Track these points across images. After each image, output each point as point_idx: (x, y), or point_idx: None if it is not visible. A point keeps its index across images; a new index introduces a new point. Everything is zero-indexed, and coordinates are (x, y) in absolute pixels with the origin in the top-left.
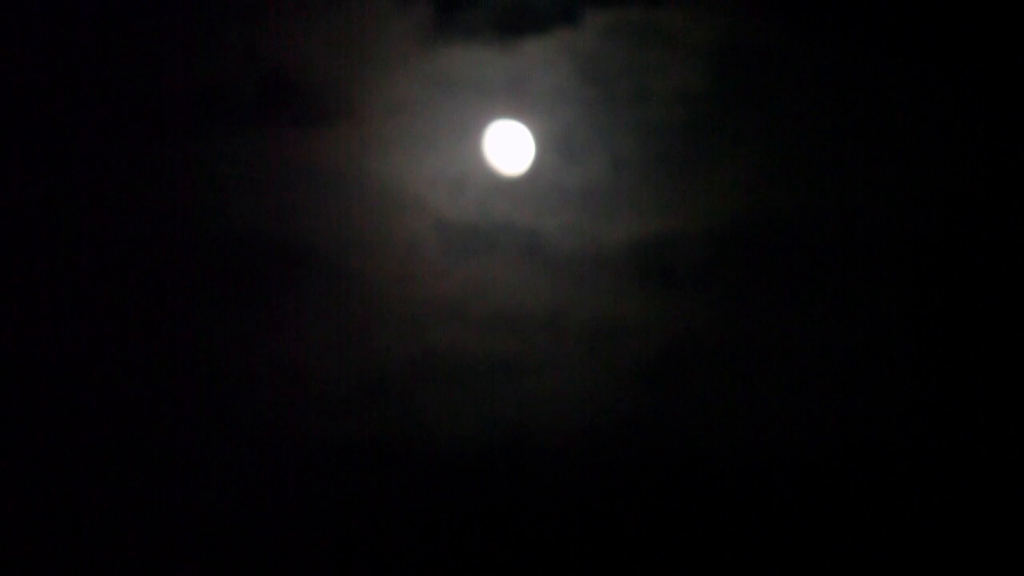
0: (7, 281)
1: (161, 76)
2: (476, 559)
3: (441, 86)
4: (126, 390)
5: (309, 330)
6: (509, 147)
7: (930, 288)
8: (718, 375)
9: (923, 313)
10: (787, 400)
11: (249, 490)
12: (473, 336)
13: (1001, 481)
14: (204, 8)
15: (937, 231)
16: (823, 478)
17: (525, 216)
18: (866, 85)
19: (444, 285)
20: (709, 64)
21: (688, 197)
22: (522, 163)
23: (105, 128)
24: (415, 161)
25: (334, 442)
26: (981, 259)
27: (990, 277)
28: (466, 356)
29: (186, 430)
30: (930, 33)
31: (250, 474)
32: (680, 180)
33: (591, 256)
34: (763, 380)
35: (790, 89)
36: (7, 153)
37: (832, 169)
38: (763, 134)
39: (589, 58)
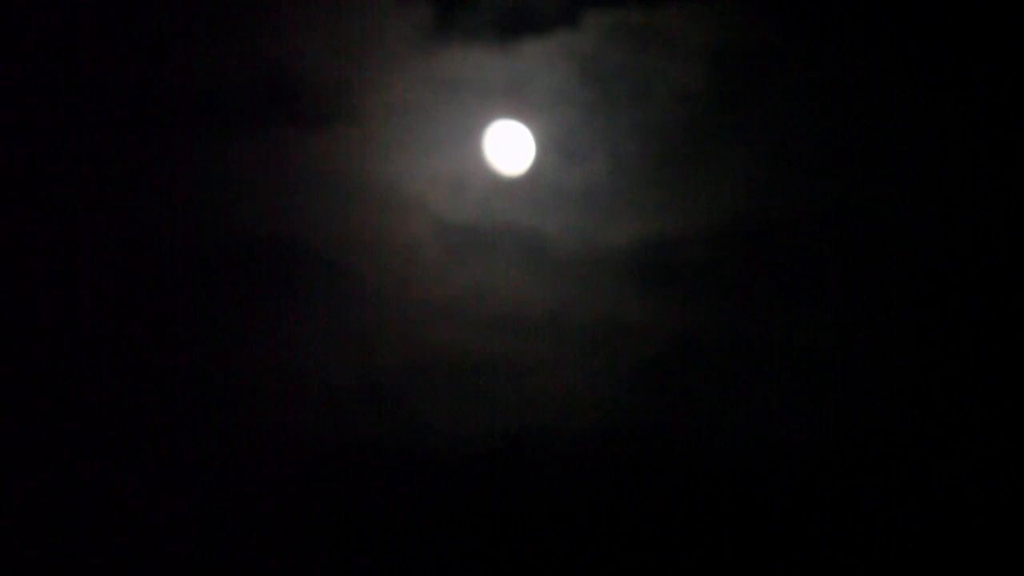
0: (7, 281)
1: (162, 77)
2: (477, 559)
3: (441, 87)
4: (126, 390)
5: (309, 331)
6: (509, 148)
7: (930, 288)
8: (718, 375)
9: (923, 313)
10: (787, 400)
11: (249, 490)
12: (473, 337)
13: (1001, 481)
14: (205, 9)
15: (936, 231)
16: (823, 478)
17: (525, 217)
18: (865, 86)
19: (444, 286)
20: (708, 65)
21: (688, 198)
22: (522, 164)
23: (106, 129)
24: (415, 162)
25: (334, 443)
26: (981, 259)
27: (990, 277)
28: (466, 357)
29: (186, 430)
30: (930, 33)
31: (250, 474)
32: (680, 181)
33: (591, 257)
34: (763, 380)
35: (789, 90)
36: (7, 153)
37: (831, 170)
38: (762, 135)
39: (589, 59)
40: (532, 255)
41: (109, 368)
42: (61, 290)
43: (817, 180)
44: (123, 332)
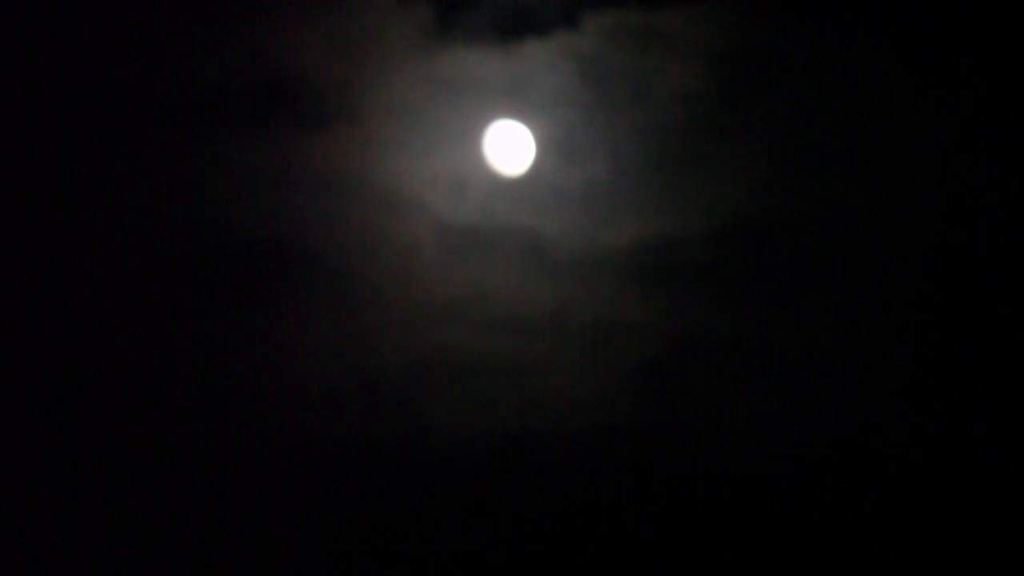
0: (7, 281)
1: (162, 77)
2: (477, 559)
3: (441, 88)
4: (126, 391)
5: (309, 332)
6: (509, 149)
7: (930, 288)
8: (718, 375)
9: (923, 313)
10: (787, 400)
11: (250, 491)
12: (473, 337)
13: (1001, 481)
14: (205, 10)
15: (936, 232)
16: (823, 477)
17: (525, 217)
18: (865, 86)
19: (444, 286)
20: (708, 66)
21: (688, 198)
22: (522, 165)
23: (106, 129)
24: (415, 163)
25: (335, 443)
26: (981, 259)
27: (990, 277)
28: (467, 357)
29: (187, 431)
30: (930, 33)
31: (250, 475)
32: (680, 181)
33: (591, 257)
34: (763, 380)
35: (789, 91)
36: (8, 153)
37: (831, 170)
38: (762, 136)
39: (589, 60)
40: (532, 255)
41: (109, 369)
42: (61, 291)
43: (817, 181)
44: (123, 333)
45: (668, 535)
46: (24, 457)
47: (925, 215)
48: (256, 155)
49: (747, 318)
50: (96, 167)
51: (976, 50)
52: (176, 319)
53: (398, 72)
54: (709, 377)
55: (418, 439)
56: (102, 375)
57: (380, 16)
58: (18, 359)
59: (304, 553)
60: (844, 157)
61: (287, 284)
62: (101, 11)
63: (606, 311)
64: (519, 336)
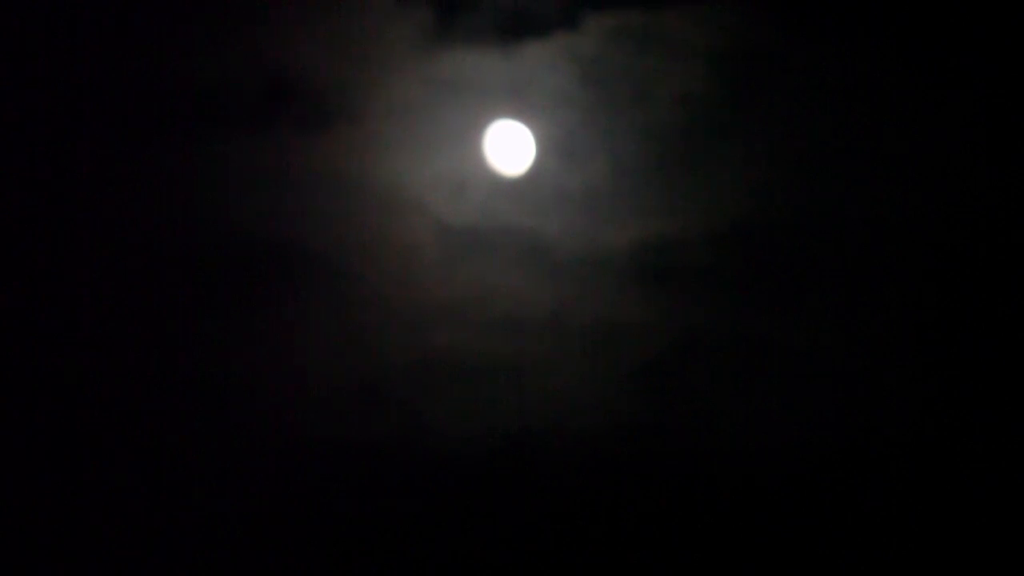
0: (7, 282)
1: (163, 78)
2: (478, 559)
3: (442, 89)
4: (126, 392)
5: (310, 333)
6: (510, 150)
7: (930, 288)
8: (718, 376)
9: (923, 313)
10: (787, 401)
11: (251, 492)
12: (474, 338)
13: (1001, 481)
14: (206, 10)
15: (936, 232)
16: (823, 478)
17: (526, 218)
18: (865, 87)
19: (445, 287)
20: (709, 67)
21: (688, 199)
22: (523, 165)
23: (107, 130)
24: (416, 164)
25: (335, 444)
26: (981, 260)
27: (990, 277)
28: (467, 358)
29: (188, 432)
30: (930, 34)
31: (252, 476)
32: (680, 183)
33: (591, 258)
34: (763, 381)
35: (790, 92)
36: (8, 153)
37: (831, 171)
38: (763, 137)
39: (589, 62)
40: (532, 256)
41: (110, 370)
42: (62, 291)
43: (817, 182)
44: (124, 334)
45: (668, 535)
46: (24, 457)
47: (925, 215)
48: (257, 156)
49: (747, 318)
50: (97, 167)
51: (976, 50)
52: (177, 319)
53: (399, 73)
54: (709, 377)
55: (419, 439)
56: (103, 375)
57: (381, 17)
58: (19, 359)
59: (305, 553)
60: (844, 158)
61: (287, 284)
62: (102, 11)
63: (606, 312)
64: (519, 336)
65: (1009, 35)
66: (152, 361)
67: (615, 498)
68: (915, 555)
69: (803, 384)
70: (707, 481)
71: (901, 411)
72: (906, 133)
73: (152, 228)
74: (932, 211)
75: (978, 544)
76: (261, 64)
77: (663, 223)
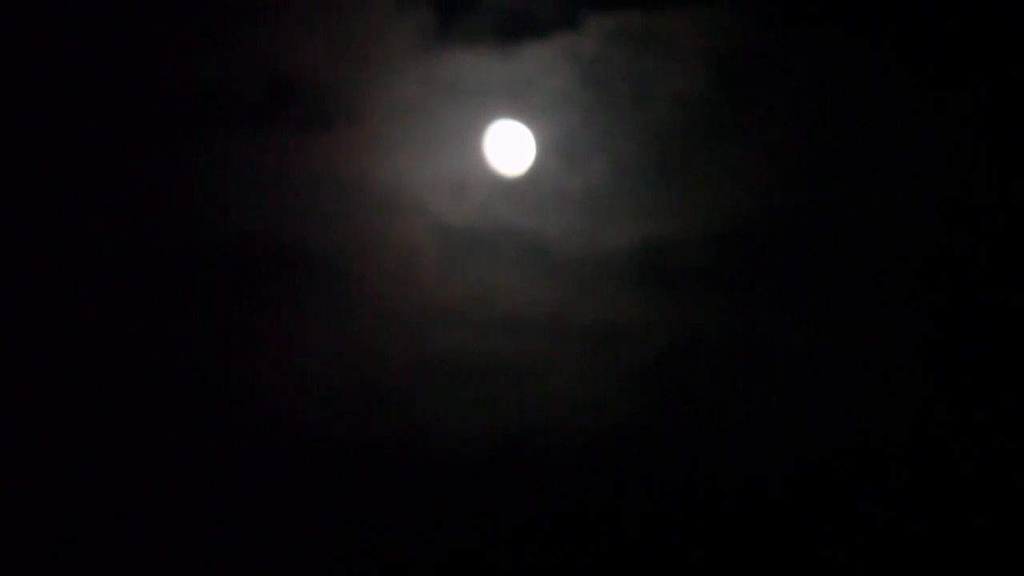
0: (6, 282)
1: (164, 79)
2: (479, 559)
3: (442, 90)
4: (126, 392)
5: (310, 333)
6: (510, 151)
7: (930, 288)
8: (719, 376)
9: (923, 313)
10: (787, 402)
11: (252, 492)
12: (474, 339)
13: (1001, 481)
14: (206, 11)
15: (936, 233)
16: (823, 478)
17: (526, 219)
18: (865, 88)
19: (445, 288)
20: (709, 68)
21: (688, 200)
22: (523, 167)
23: (107, 130)
24: (416, 164)
25: (336, 445)
26: (981, 260)
27: (990, 277)
28: (467, 359)
29: (187, 432)
30: (930, 34)
31: (253, 477)
32: (680, 183)
33: (592, 258)
34: (763, 382)
35: (790, 93)
36: (7, 153)
37: (831, 172)
38: (763, 138)
39: (590, 62)
40: (532, 257)
41: (111, 369)
42: (62, 291)
43: (817, 182)
44: (124, 334)
45: (669, 535)
46: (25, 457)
47: (925, 216)
48: (257, 156)
49: (747, 319)
50: (98, 167)
51: (976, 50)
52: (177, 320)
53: (399, 74)
54: (709, 378)
55: (418, 439)
56: (103, 376)
57: (381, 18)
58: (19, 359)
59: (306, 553)
60: (844, 159)
61: (287, 285)
62: (102, 12)
63: (606, 312)
64: (519, 337)
65: (1009, 35)
66: (152, 361)
67: (615, 498)
68: (915, 555)
69: (804, 384)
70: (707, 481)
71: (901, 411)
72: (906, 133)
73: (152, 228)
74: (932, 211)
75: (978, 544)
76: (261, 64)
77: (663, 224)
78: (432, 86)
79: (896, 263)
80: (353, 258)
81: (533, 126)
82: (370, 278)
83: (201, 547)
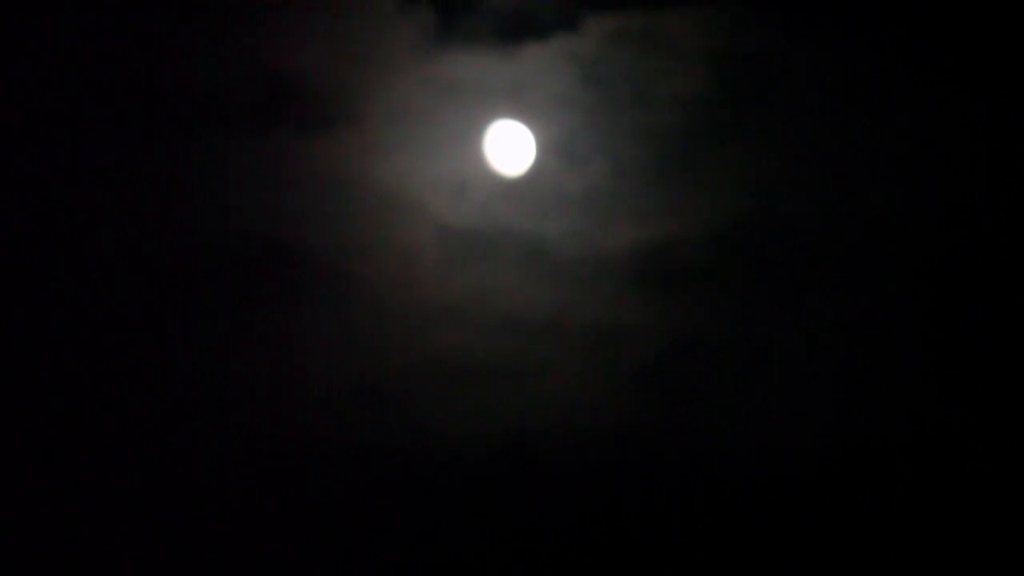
0: (6, 282)
1: (165, 80)
2: (479, 560)
3: (443, 91)
4: (127, 393)
5: (311, 334)
6: (510, 152)
7: (930, 289)
8: (719, 377)
9: (922, 315)
10: (787, 402)
11: (253, 493)
12: (475, 339)
13: (1001, 481)
14: (207, 13)
15: (936, 233)
16: (824, 479)
17: (526, 220)
18: (865, 89)
19: (446, 289)
20: (709, 69)
21: (688, 201)
22: (523, 167)
23: (108, 131)
24: (416, 165)
25: (336, 445)
26: (980, 260)
27: (990, 278)
28: (468, 360)
29: (187, 432)
30: (930, 35)
31: (253, 477)
32: (680, 184)
33: (592, 259)
34: (763, 383)
35: (790, 93)
36: (7, 153)
37: (831, 173)
38: (763, 139)
39: (590, 63)
40: (533, 258)
41: (112, 371)
42: (62, 291)
43: (817, 183)
44: (125, 336)
45: (669, 536)
46: (25, 457)
47: (925, 216)
48: (257, 157)
49: (747, 320)
50: (99, 168)
51: (976, 51)
52: (177, 320)
53: (400, 75)
54: (710, 379)
55: (419, 440)
56: (104, 375)
57: (382, 20)
58: (19, 359)
59: (306, 553)
60: (844, 159)
61: (288, 286)
62: (102, 12)
63: (607, 313)
64: (520, 338)
65: (1009, 35)
66: (152, 361)
67: (615, 499)
68: (915, 555)
69: (804, 385)
70: (708, 482)
71: (901, 411)
72: (906, 133)
73: (153, 228)
74: (932, 211)
75: (978, 544)
76: (261, 65)
77: (663, 224)
78: (432, 87)
79: (896, 263)
80: (354, 258)
81: (533, 126)
82: (371, 278)
83: (201, 547)
